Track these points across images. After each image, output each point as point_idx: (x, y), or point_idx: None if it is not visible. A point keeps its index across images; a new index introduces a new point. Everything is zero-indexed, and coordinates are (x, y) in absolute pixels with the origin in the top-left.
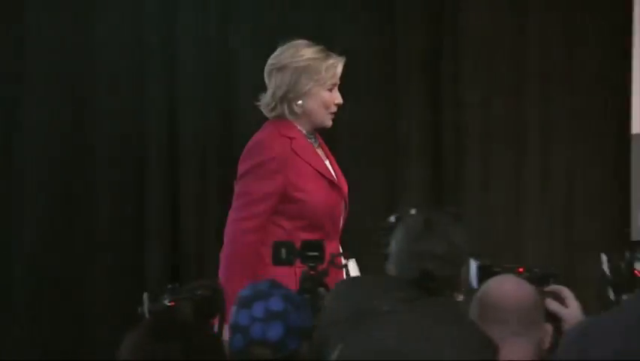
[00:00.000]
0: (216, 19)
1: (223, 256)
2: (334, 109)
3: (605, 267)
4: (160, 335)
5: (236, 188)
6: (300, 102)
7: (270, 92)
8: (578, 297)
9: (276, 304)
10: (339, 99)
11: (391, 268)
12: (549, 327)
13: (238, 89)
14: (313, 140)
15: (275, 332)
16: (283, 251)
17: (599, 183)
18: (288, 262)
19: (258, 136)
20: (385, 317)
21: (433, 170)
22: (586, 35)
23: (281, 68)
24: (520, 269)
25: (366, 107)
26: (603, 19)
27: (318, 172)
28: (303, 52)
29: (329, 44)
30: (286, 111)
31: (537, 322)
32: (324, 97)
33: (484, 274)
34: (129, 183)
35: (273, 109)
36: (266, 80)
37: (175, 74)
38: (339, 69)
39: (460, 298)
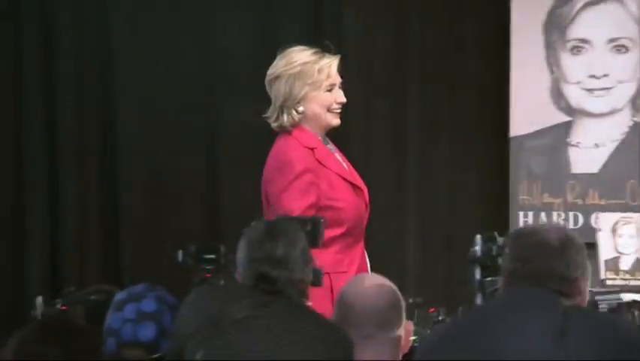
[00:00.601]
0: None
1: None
2: (337, 108)
3: (478, 247)
4: (42, 337)
5: (275, 207)
6: (300, 108)
7: (272, 103)
8: (455, 303)
9: (148, 305)
10: (340, 98)
11: (238, 276)
12: (409, 326)
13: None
14: (330, 145)
15: (146, 332)
16: (180, 254)
17: (478, 185)
18: (185, 264)
19: (281, 152)
20: (241, 324)
21: None
22: (466, 40)
23: (276, 78)
24: None
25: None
26: (483, 24)
27: (342, 178)
28: (296, 58)
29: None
30: (287, 120)
31: (393, 322)
32: (322, 99)
33: None
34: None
35: (276, 119)
36: (268, 91)
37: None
38: (334, 69)
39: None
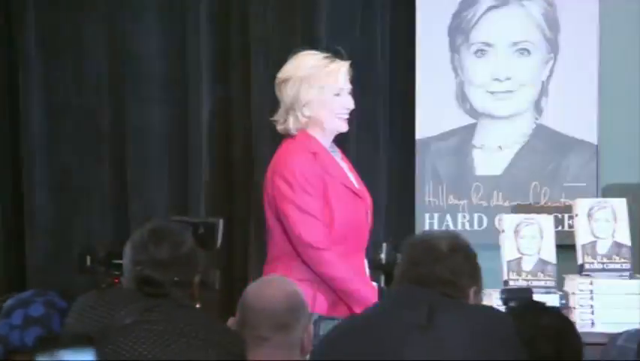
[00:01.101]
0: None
1: (331, 280)
2: (344, 113)
3: (383, 255)
4: None
5: (286, 212)
6: (306, 112)
7: (281, 106)
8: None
9: (35, 310)
10: (348, 103)
11: (124, 280)
12: (310, 328)
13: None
14: (334, 152)
15: (34, 337)
16: (88, 259)
17: (385, 187)
18: (93, 271)
19: (285, 157)
20: (129, 329)
21: (223, 174)
22: (372, 42)
23: (285, 81)
24: None
25: (155, 109)
26: (389, 27)
27: (343, 185)
28: (305, 61)
29: (120, 45)
30: (293, 123)
31: (290, 325)
32: (329, 103)
33: None
34: None
35: (282, 122)
36: (277, 95)
37: None
38: (342, 74)
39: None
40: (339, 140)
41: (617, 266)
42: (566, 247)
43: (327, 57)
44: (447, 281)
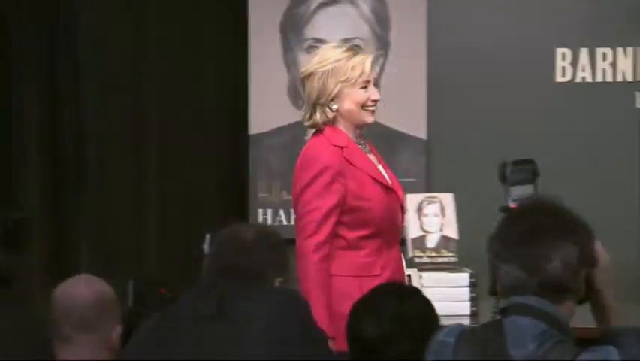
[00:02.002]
0: None
1: (300, 273)
2: (371, 105)
3: (206, 245)
4: None
5: (299, 205)
6: (334, 106)
7: (305, 101)
8: None
9: None
10: (374, 95)
11: None
12: (118, 328)
13: None
14: (363, 146)
15: None
16: None
17: (219, 182)
18: None
19: (307, 150)
20: None
21: (52, 169)
22: (206, 39)
23: (309, 76)
24: None
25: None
26: (222, 24)
27: (373, 178)
28: (328, 55)
29: None
30: (320, 118)
31: (95, 325)
32: (355, 96)
33: None
34: None
35: (309, 118)
36: (300, 90)
37: None
38: (367, 66)
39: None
40: (173, 136)
41: (446, 260)
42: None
43: (349, 49)
44: (250, 272)
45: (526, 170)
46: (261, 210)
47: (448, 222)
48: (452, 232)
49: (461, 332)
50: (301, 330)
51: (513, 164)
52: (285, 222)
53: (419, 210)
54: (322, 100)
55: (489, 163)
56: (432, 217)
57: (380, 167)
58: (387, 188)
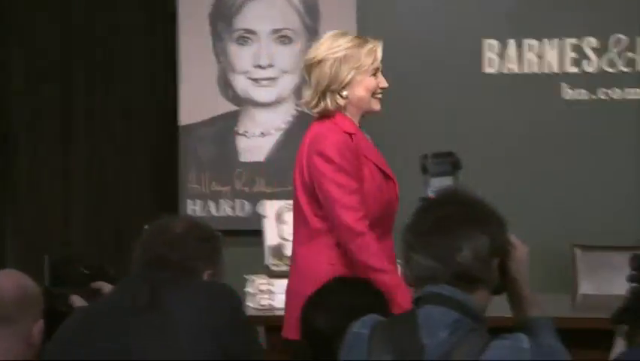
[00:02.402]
0: None
1: (361, 251)
2: (380, 93)
3: None
4: None
5: (333, 190)
6: (344, 93)
7: (311, 87)
8: None
9: None
10: (383, 83)
11: None
12: (40, 323)
13: None
14: (366, 134)
15: None
16: None
17: (149, 173)
18: None
19: (322, 137)
20: None
21: None
22: (135, 28)
23: (320, 62)
24: None
25: None
26: (151, 13)
27: (377, 166)
28: (339, 42)
29: None
30: (330, 104)
31: (12, 318)
32: (368, 83)
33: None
34: None
35: (316, 105)
36: (305, 76)
37: None
38: (379, 53)
39: None
40: (102, 125)
41: None
42: None
43: (358, 37)
44: (179, 264)
45: (446, 162)
46: (190, 202)
47: None
48: None
49: (375, 323)
50: (231, 322)
51: (433, 156)
52: (214, 214)
53: (278, 217)
54: (334, 87)
55: (417, 152)
56: (291, 225)
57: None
58: (387, 176)
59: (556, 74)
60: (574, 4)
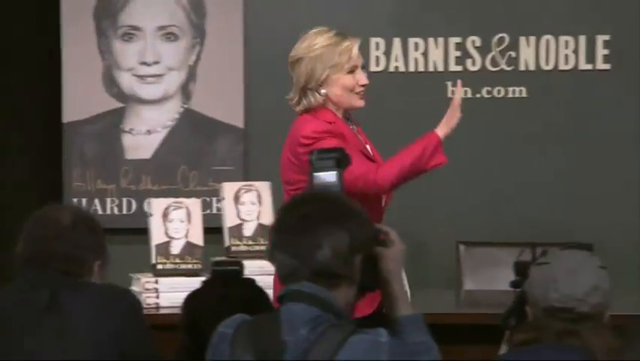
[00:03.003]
0: None
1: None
2: (359, 90)
3: None
4: None
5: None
6: (322, 91)
7: (294, 85)
8: None
9: None
10: (362, 80)
11: None
12: None
13: None
14: (352, 126)
15: None
16: None
17: (33, 171)
18: None
19: (300, 127)
20: None
21: None
22: (16, 25)
23: (298, 60)
24: None
25: None
26: (33, 9)
27: (361, 152)
28: (316, 40)
29: None
30: (312, 102)
31: None
32: (344, 81)
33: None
34: None
35: (298, 102)
36: (290, 73)
37: None
38: (355, 51)
39: None
40: None
41: (263, 248)
42: (215, 229)
43: (337, 34)
44: (69, 257)
45: (330, 158)
46: (75, 200)
47: (265, 210)
48: (269, 220)
49: (241, 322)
50: (130, 326)
51: (318, 152)
52: (100, 212)
53: (236, 198)
54: (311, 85)
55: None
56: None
57: (368, 147)
58: (373, 162)
59: (441, 72)
60: (458, 3)
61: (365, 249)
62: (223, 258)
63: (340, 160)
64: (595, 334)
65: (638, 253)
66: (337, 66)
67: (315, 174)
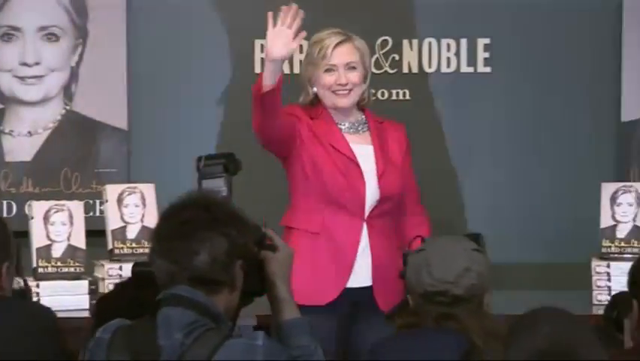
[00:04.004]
0: None
1: None
2: (339, 89)
3: None
4: None
5: None
6: (313, 89)
7: None
8: None
9: None
10: (340, 79)
11: None
12: None
13: None
14: (346, 125)
15: None
16: None
17: None
18: None
19: None
20: None
21: None
22: None
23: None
24: None
25: None
26: None
27: (333, 147)
28: (312, 39)
29: None
30: (307, 98)
31: None
32: (322, 80)
33: None
34: None
35: (304, 99)
36: None
37: None
38: (330, 50)
39: None
40: None
41: (147, 250)
42: (99, 232)
43: (330, 33)
44: None
45: (217, 164)
46: None
47: (149, 212)
48: (152, 222)
49: (118, 327)
50: (46, 343)
51: (206, 158)
52: None
53: (120, 200)
54: (303, 83)
55: (190, 154)
56: (132, 208)
57: (361, 146)
58: (349, 160)
59: None
60: (343, 6)
61: (246, 254)
62: (144, 260)
63: (229, 166)
64: (472, 316)
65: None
66: (316, 65)
67: (203, 180)
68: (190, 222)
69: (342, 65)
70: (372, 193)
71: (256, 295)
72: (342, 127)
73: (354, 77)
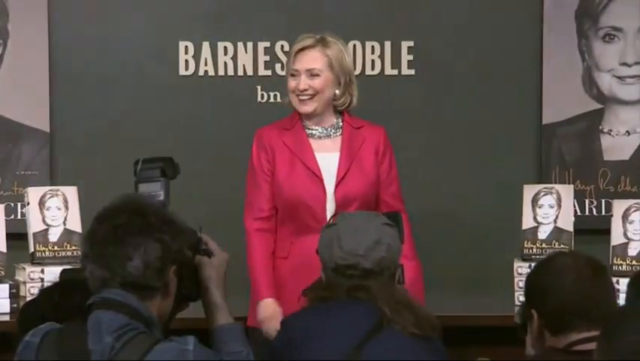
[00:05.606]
0: None
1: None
2: (299, 94)
3: None
4: None
5: None
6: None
7: None
8: None
9: None
10: (300, 84)
11: None
12: None
13: None
14: (319, 130)
15: None
16: None
17: None
18: None
19: None
20: None
21: None
22: None
23: None
24: None
25: None
26: None
27: (301, 161)
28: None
29: None
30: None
31: None
32: (288, 84)
33: None
34: None
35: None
36: None
37: None
38: (293, 55)
39: None
40: None
41: (69, 253)
42: (20, 235)
43: (303, 37)
44: None
45: (155, 168)
46: None
47: (72, 215)
48: (75, 225)
49: (48, 331)
50: None
51: (143, 162)
52: None
53: (41, 203)
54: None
55: (115, 156)
56: (55, 211)
57: (329, 154)
58: (313, 174)
59: (251, 76)
60: (266, 7)
61: (180, 259)
62: (74, 267)
63: (166, 170)
64: (381, 288)
65: None
66: (287, 69)
67: (140, 184)
68: (123, 227)
69: (304, 71)
70: (330, 200)
71: (191, 300)
72: (314, 132)
73: (316, 83)
